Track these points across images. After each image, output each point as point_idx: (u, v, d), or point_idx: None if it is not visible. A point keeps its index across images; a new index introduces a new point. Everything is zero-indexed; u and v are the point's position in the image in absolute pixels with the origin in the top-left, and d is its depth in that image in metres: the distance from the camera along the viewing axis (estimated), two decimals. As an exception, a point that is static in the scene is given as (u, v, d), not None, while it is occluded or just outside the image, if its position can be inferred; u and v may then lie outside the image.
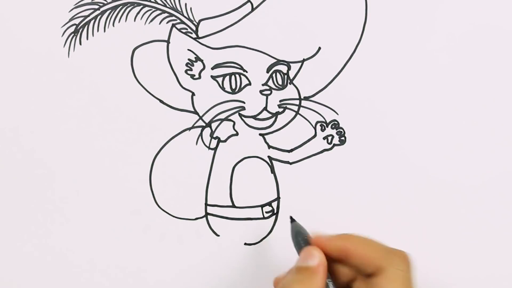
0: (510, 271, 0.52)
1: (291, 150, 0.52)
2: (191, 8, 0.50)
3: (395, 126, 0.51)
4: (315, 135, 0.51)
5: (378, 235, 0.52)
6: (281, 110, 0.51)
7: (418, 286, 0.42)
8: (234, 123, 0.51)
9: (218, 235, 0.52)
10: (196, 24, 0.50)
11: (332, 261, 0.43)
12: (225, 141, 0.51)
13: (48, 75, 0.51)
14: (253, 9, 0.50)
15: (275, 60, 0.51)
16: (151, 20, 0.50)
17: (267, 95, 0.51)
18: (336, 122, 0.51)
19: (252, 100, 0.51)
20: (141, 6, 0.50)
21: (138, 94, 0.51)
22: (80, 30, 0.50)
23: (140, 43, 0.50)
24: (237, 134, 0.51)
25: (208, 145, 0.51)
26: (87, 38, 0.50)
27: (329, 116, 0.51)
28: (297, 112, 0.51)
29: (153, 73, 0.51)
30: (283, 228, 0.52)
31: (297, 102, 0.51)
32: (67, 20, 0.50)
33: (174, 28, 0.50)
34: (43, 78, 0.51)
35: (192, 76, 0.51)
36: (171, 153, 0.51)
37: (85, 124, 0.51)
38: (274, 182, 0.52)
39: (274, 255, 0.52)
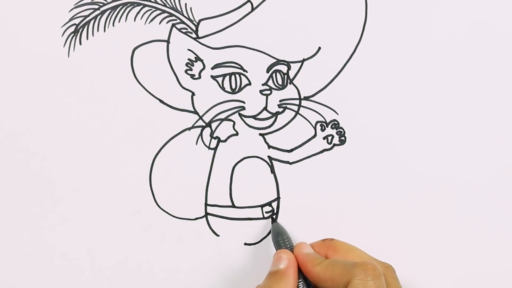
0: (510, 271, 0.52)
1: (291, 150, 0.52)
2: (191, 8, 0.50)
3: (395, 126, 0.51)
4: (315, 135, 0.51)
5: (378, 235, 0.52)
6: (281, 110, 0.51)
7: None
8: (234, 123, 0.51)
9: (218, 235, 0.52)
10: (196, 24, 0.50)
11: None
12: (225, 141, 0.51)
13: (48, 75, 0.51)
14: (253, 9, 0.50)
15: (275, 60, 0.51)
16: (151, 20, 0.50)
17: (267, 95, 0.51)
18: (336, 122, 0.51)
19: (252, 100, 0.51)
20: (141, 6, 0.50)
21: (138, 94, 0.51)
22: (80, 30, 0.50)
23: (140, 43, 0.50)
24: (237, 134, 0.51)
25: (208, 145, 0.51)
26: (87, 38, 0.50)
27: (329, 116, 0.51)
28: (297, 112, 0.51)
29: (153, 73, 0.51)
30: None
31: (297, 102, 0.51)
32: (67, 20, 0.50)
33: (174, 28, 0.50)
34: (43, 78, 0.51)
35: (192, 76, 0.51)
36: (171, 153, 0.51)
37: (85, 124, 0.51)
38: (274, 182, 0.52)
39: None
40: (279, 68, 0.51)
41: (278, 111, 0.51)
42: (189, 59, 0.51)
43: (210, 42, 0.50)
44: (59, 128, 0.51)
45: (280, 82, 0.51)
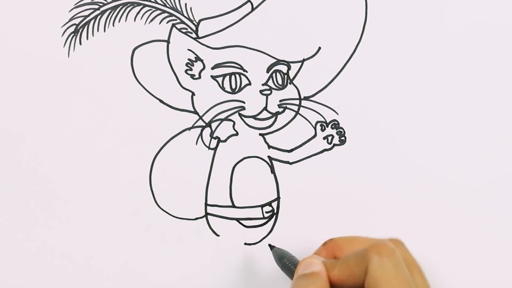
0: (510, 271, 0.52)
1: (291, 150, 0.52)
2: (191, 8, 0.50)
3: (395, 126, 0.51)
4: (315, 135, 0.51)
5: (378, 235, 0.52)
6: (281, 110, 0.51)
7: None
8: (234, 123, 0.51)
9: (218, 235, 0.52)
10: (196, 24, 0.50)
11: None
12: (225, 141, 0.51)
13: (48, 75, 0.51)
14: (253, 9, 0.50)
15: (275, 60, 0.51)
16: (151, 20, 0.50)
17: (267, 95, 0.51)
18: (336, 122, 0.51)
19: (252, 100, 0.51)
20: (141, 6, 0.50)
21: (138, 94, 0.51)
22: (80, 30, 0.50)
23: (140, 43, 0.50)
24: (237, 134, 0.51)
25: (208, 145, 0.51)
26: (87, 38, 0.50)
27: (329, 116, 0.51)
28: (297, 112, 0.51)
29: (153, 73, 0.51)
30: (283, 228, 0.52)
31: (297, 102, 0.51)
32: (67, 20, 0.50)
33: (174, 28, 0.50)
34: (43, 78, 0.51)
35: (192, 76, 0.51)
36: (171, 153, 0.51)
37: (85, 124, 0.51)
38: (274, 182, 0.52)
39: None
40: (279, 68, 0.51)
41: (278, 111, 0.51)
42: (189, 59, 0.51)
43: (210, 42, 0.50)
44: (59, 128, 0.51)
45: (280, 82, 0.51)
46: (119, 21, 0.50)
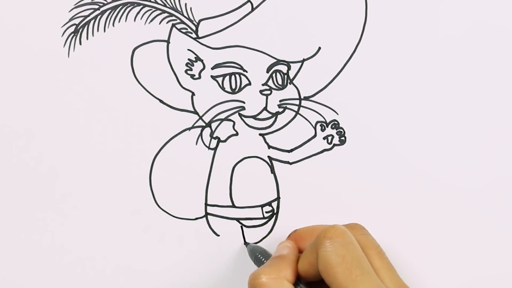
0: (509, 272, 0.52)
1: (291, 150, 0.52)
2: (191, 8, 0.50)
3: (395, 126, 0.51)
4: (315, 135, 0.51)
5: (378, 235, 0.52)
6: (281, 110, 0.51)
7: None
8: (234, 123, 0.51)
9: (218, 235, 0.52)
10: (196, 24, 0.50)
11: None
12: (225, 141, 0.51)
13: (48, 75, 0.51)
14: (253, 9, 0.50)
15: (275, 60, 0.51)
16: (151, 20, 0.50)
17: (267, 95, 0.51)
18: (336, 122, 0.51)
19: (252, 100, 0.51)
20: (141, 6, 0.50)
21: (138, 94, 0.51)
22: (80, 30, 0.50)
23: (140, 43, 0.50)
24: (237, 134, 0.51)
25: (208, 145, 0.51)
26: (87, 38, 0.50)
27: (329, 116, 0.51)
28: (297, 112, 0.51)
29: (153, 73, 0.51)
30: (283, 228, 0.52)
31: (297, 102, 0.51)
32: (67, 20, 0.50)
33: (174, 28, 0.50)
34: (43, 78, 0.51)
35: (192, 76, 0.51)
36: (171, 153, 0.51)
37: (85, 124, 0.51)
38: (274, 182, 0.52)
39: (274, 255, 0.52)
40: (279, 68, 0.51)
41: (278, 111, 0.51)
42: (189, 59, 0.51)
43: (210, 42, 0.50)
44: (59, 128, 0.51)
45: (280, 82, 0.51)
46: (119, 21, 0.50)
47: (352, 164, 0.51)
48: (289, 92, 0.51)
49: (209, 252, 0.52)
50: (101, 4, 0.50)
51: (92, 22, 0.50)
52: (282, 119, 0.51)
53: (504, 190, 0.52)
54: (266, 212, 0.52)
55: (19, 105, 0.51)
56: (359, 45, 0.51)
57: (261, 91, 0.51)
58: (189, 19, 0.50)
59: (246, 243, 0.51)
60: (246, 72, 0.51)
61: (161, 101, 0.51)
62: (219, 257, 0.52)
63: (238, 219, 0.52)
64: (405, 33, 0.51)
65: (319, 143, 0.51)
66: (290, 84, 0.51)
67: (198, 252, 0.52)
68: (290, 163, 0.52)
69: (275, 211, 0.52)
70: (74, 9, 0.50)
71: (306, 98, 0.51)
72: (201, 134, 0.51)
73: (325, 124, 0.51)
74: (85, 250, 0.52)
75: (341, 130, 0.51)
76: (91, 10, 0.50)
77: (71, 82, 0.51)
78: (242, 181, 0.51)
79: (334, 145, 0.51)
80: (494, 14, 0.51)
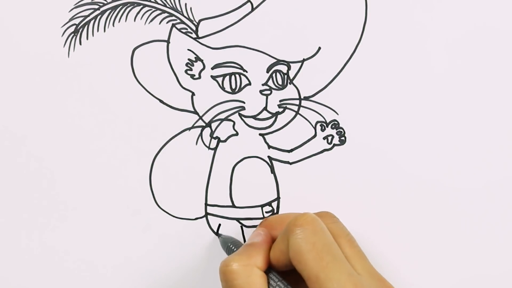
0: (509, 272, 0.52)
1: (291, 150, 0.52)
2: (191, 8, 0.50)
3: (395, 126, 0.51)
4: (315, 135, 0.51)
5: (378, 235, 0.52)
6: (281, 110, 0.51)
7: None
8: (234, 123, 0.51)
9: (218, 235, 0.52)
10: (196, 24, 0.50)
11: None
12: (225, 141, 0.51)
13: (48, 75, 0.51)
14: (253, 9, 0.50)
15: (275, 60, 0.51)
16: (151, 20, 0.50)
17: (267, 95, 0.51)
18: (336, 122, 0.51)
19: (252, 100, 0.51)
20: (141, 6, 0.50)
21: (138, 94, 0.51)
22: (80, 30, 0.50)
23: (140, 43, 0.50)
24: (237, 134, 0.51)
25: (208, 145, 0.51)
26: (87, 38, 0.50)
27: (329, 116, 0.51)
28: (297, 112, 0.51)
29: (153, 73, 0.51)
30: (283, 228, 0.52)
31: (297, 102, 0.51)
32: (67, 20, 0.50)
33: (174, 28, 0.50)
34: (43, 78, 0.51)
35: (192, 76, 0.51)
36: (171, 153, 0.51)
37: (85, 124, 0.51)
38: (274, 182, 0.52)
39: (274, 255, 0.52)
40: (279, 68, 0.51)
41: (278, 111, 0.51)
42: (189, 59, 0.51)
43: (210, 42, 0.50)
44: (59, 128, 0.51)
45: (280, 82, 0.51)
46: (119, 21, 0.50)
47: (352, 164, 0.51)
48: (289, 92, 0.51)
49: (209, 252, 0.52)
50: (101, 4, 0.50)
51: (92, 22, 0.50)
52: (282, 119, 0.51)
53: (504, 191, 0.52)
54: (266, 212, 0.52)
55: (18, 106, 0.51)
56: (359, 45, 0.51)
57: (261, 91, 0.51)
58: (189, 19, 0.50)
59: (218, 234, 0.51)
60: (246, 72, 0.51)
61: (161, 101, 0.51)
62: (219, 257, 0.52)
63: (238, 219, 0.52)
64: (405, 33, 0.51)
65: (319, 143, 0.51)
66: (290, 84, 0.51)
67: (198, 252, 0.52)
68: (290, 163, 0.52)
69: (275, 211, 0.52)
70: (74, 9, 0.50)
71: (306, 98, 0.51)
72: (201, 134, 0.51)
73: (325, 124, 0.51)
74: (85, 250, 0.52)
75: (341, 130, 0.51)
76: (91, 10, 0.50)
77: (71, 82, 0.51)
78: (242, 181, 0.51)
79: (334, 145, 0.51)
80: (494, 16, 0.51)
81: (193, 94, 0.51)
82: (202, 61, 0.51)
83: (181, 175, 0.51)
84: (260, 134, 0.51)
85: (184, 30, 0.50)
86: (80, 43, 0.50)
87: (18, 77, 0.51)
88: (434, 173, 0.51)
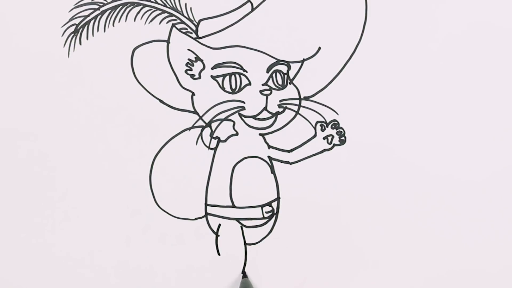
0: (509, 270, 0.52)
1: (291, 150, 0.52)
2: (191, 8, 0.50)
3: (395, 126, 0.51)
4: (315, 135, 0.51)
5: (377, 235, 0.52)
6: (281, 110, 0.51)
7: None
8: (234, 123, 0.51)
9: (218, 235, 0.52)
10: (196, 24, 0.50)
11: None
12: (225, 141, 0.51)
13: (48, 75, 0.51)
14: (253, 9, 0.50)
15: (275, 60, 0.51)
16: (151, 20, 0.50)
17: (267, 95, 0.51)
18: (336, 122, 0.51)
19: (252, 100, 0.51)
20: (141, 6, 0.50)
21: (138, 94, 0.51)
22: (80, 30, 0.50)
23: (140, 43, 0.50)
24: (237, 134, 0.51)
25: (208, 145, 0.51)
26: (87, 38, 0.50)
27: (329, 116, 0.51)
28: (297, 112, 0.51)
29: (153, 73, 0.51)
30: (283, 228, 0.52)
31: (297, 102, 0.51)
32: (67, 20, 0.50)
33: (174, 28, 0.50)
34: (43, 78, 0.51)
35: (192, 76, 0.51)
36: (171, 153, 0.51)
37: (85, 124, 0.51)
38: (274, 182, 0.52)
39: (274, 255, 0.52)
40: (279, 68, 0.51)
41: (278, 111, 0.51)
42: (189, 59, 0.51)
43: (210, 42, 0.50)
44: (59, 128, 0.51)
45: (280, 82, 0.51)
46: (119, 21, 0.50)
47: (352, 164, 0.51)
48: (289, 92, 0.51)
49: (209, 252, 0.52)
50: (101, 4, 0.50)
51: (92, 22, 0.50)
52: (282, 119, 0.51)
53: (504, 189, 0.52)
54: (266, 212, 0.52)
55: (19, 105, 0.51)
56: (359, 45, 0.51)
57: (261, 91, 0.51)
58: (189, 19, 0.50)
59: (244, 275, 0.51)
60: (246, 72, 0.51)
61: (161, 101, 0.51)
62: (219, 257, 0.52)
63: (238, 219, 0.52)
64: (405, 33, 0.51)
65: (319, 143, 0.51)
66: (290, 84, 0.51)
67: (198, 252, 0.52)
68: (290, 163, 0.52)
69: (275, 211, 0.52)
70: (74, 9, 0.50)
71: (306, 98, 0.51)
72: (201, 134, 0.51)
73: (325, 124, 0.51)
74: (85, 249, 0.52)
75: (341, 130, 0.51)
76: (91, 10, 0.50)
77: (71, 82, 0.51)
78: (242, 181, 0.51)
79: (334, 145, 0.51)
80: (493, 15, 0.51)
81: (193, 94, 0.51)
82: (202, 61, 0.51)
83: (181, 175, 0.51)
84: (260, 134, 0.51)
85: (184, 30, 0.50)
86: (80, 43, 0.50)
87: (18, 77, 0.51)
88: (434, 173, 0.51)
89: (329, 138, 0.51)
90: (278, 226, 0.52)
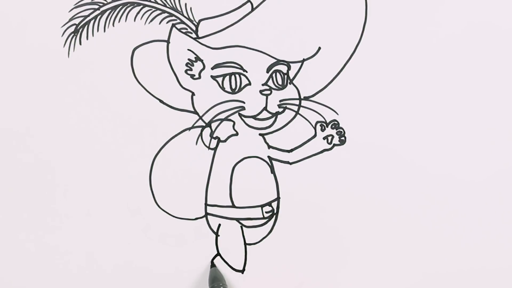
0: (509, 270, 0.52)
1: (291, 150, 0.52)
2: (191, 8, 0.50)
3: (395, 126, 0.51)
4: (315, 135, 0.51)
5: (377, 235, 0.52)
6: (281, 110, 0.51)
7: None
8: (234, 123, 0.51)
9: (218, 235, 0.52)
10: (196, 24, 0.50)
11: None
12: (225, 141, 0.51)
13: (48, 75, 0.51)
14: (253, 9, 0.50)
15: (275, 60, 0.51)
16: (151, 20, 0.50)
17: (267, 95, 0.51)
18: (336, 122, 0.51)
19: (252, 100, 0.51)
20: (141, 6, 0.50)
21: (138, 94, 0.51)
22: (80, 30, 0.50)
23: (140, 43, 0.50)
24: (237, 134, 0.51)
25: (208, 145, 0.51)
26: (87, 38, 0.50)
27: (329, 116, 0.51)
28: (297, 112, 0.51)
29: (153, 73, 0.51)
30: (283, 228, 0.52)
31: (297, 102, 0.51)
32: (67, 20, 0.50)
33: (174, 28, 0.50)
34: (43, 78, 0.51)
35: (192, 76, 0.51)
36: (171, 153, 0.51)
37: (85, 124, 0.51)
38: (274, 182, 0.52)
39: (274, 255, 0.52)
40: (279, 68, 0.51)
41: (278, 111, 0.51)
42: (189, 59, 0.51)
43: (210, 42, 0.50)
44: (59, 128, 0.51)
45: (280, 82, 0.51)
46: (119, 21, 0.50)
47: (352, 164, 0.51)
48: (289, 92, 0.51)
49: (209, 252, 0.52)
50: (101, 4, 0.50)
51: (92, 22, 0.50)
52: (282, 119, 0.51)
53: (504, 189, 0.52)
54: (266, 212, 0.52)
55: (19, 105, 0.51)
56: (359, 45, 0.51)
57: (261, 91, 0.51)
58: (189, 19, 0.50)
59: (212, 265, 0.51)
60: (246, 72, 0.51)
61: (161, 101, 0.51)
62: (219, 257, 0.52)
63: (238, 219, 0.52)
64: (405, 33, 0.51)
65: (319, 143, 0.51)
66: (290, 84, 0.51)
67: (198, 252, 0.52)
68: (290, 163, 0.52)
69: (275, 211, 0.52)
70: (74, 9, 0.50)
71: (306, 98, 0.51)
72: (201, 134, 0.51)
73: (325, 124, 0.51)
74: (85, 249, 0.52)
75: (341, 130, 0.51)
76: (91, 10, 0.50)
77: (71, 82, 0.51)
78: (242, 181, 0.51)
79: (334, 145, 0.51)
80: (493, 15, 0.51)
81: (193, 94, 0.51)
82: (202, 61, 0.51)
83: (181, 175, 0.51)
84: (260, 134, 0.51)
85: (184, 30, 0.50)
86: (80, 43, 0.50)
87: (18, 77, 0.51)
88: (434, 172, 0.51)
89: (329, 138, 0.51)
90: (278, 226, 0.52)
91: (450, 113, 0.51)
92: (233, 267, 0.52)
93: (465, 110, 0.51)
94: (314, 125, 0.51)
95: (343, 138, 0.51)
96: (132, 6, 0.50)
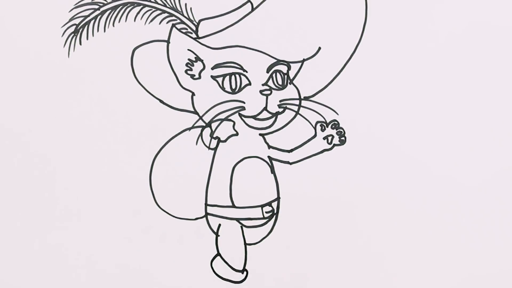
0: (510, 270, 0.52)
1: (291, 150, 0.52)
2: (191, 8, 0.50)
3: (395, 126, 0.51)
4: (315, 135, 0.51)
5: (377, 234, 0.52)
6: (281, 110, 0.51)
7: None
8: (234, 123, 0.51)
9: (218, 235, 0.52)
10: (196, 24, 0.50)
11: None
12: (225, 141, 0.51)
13: (48, 75, 0.51)
14: (253, 9, 0.50)
15: (275, 60, 0.51)
16: (151, 20, 0.50)
17: (267, 95, 0.51)
18: (336, 122, 0.51)
19: (252, 100, 0.51)
20: (141, 6, 0.50)
21: (138, 94, 0.51)
22: (80, 30, 0.50)
23: (140, 43, 0.50)
24: (237, 134, 0.51)
25: (208, 145, 0.51)
26: (87, 38, 0.50)
27: (329, 116, 0.51)
28: (297, 112, 0.51)
29: (153, 73, 0.51)
30: (283, 228, 0.52)
31: (297, 102, 0.51)
32: (67, 20, 0.50)
33: (174, 28, 0.50)
34: (43, 78, 0.51)
35: (192, 76, 0.51)
36: (171, 153, 0.51)
37: (85, 124, 0.51)
38: (274, 182, 0.52)
39: (274, 255, 0.52)
40: (279, 68, 0.51)
41: (278, 111, 0.51)
42: (189, 59, 0.51)
43: (210, 42, 0.50)
44: (59, 128, 0.51)
45: (280, 82, 0.51)
46: (119, 21, 0.50)
47: (352, 164, 0.51)
48: (289, 92, 0.51)
49: (209, 252, 0.52)
50: (101, 4, 0.50)
51: (92, 22, 0.50)
52: (282, 119, 0.51)
53: (505, 189, 0.52)
54: (266, 212, 0.52)
55: (19, 105, 0.51)
56: (359, 45, 0.51)
57: (261, 91, 0.51)
58: (189, 19, 0.50)
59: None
60: (246, 72, 0.51)
61: (161, 101, 0.51)
62: (219, 257, 0.52)
63: (238, 219, 0.52)
64: (405, 33, 0.51)
65: (319, 143, 0.51)
66: (290, 84, 0.51)
67: (198, 252, 0.52)
68: (290, 163, 0.52)
69: (275, 211, 0.52)
70: (74, 9, 0.50)
71: (306, 98, 0.51)
72: (201, 134, 0.51)
73: (325, 124, 0.51)
74: (85, 250, 0.52)
75: (341, 130, 0.51)
76: (91, 10, 0.50)
77: (71, 82, 0.51)
78: (242, 181, 0.51)
79: (334, 145, 0.51)
80: (493, 15, 0.51)
81: (193, 94, 0.51)
82: (202, 61, 0.51)
83: (181, 175, 0.51)
84: (260, 134, 0.51)
85: (184, 30, 0.50)
86: (80, 43, 0.50)
87: (18, 77, 0.51)
88: (434, 173, 0.51)
89: (329, 138, 0.51)
90: (278, 226, 0.52)
91: (450, 113, 0.51)
92: (233, 267, 0.52)
93: (466, 110, 0.51)
94: (314, 125, 0.51)
95: (343, 138, 0.51)
96: (132, 6, 0.50)
